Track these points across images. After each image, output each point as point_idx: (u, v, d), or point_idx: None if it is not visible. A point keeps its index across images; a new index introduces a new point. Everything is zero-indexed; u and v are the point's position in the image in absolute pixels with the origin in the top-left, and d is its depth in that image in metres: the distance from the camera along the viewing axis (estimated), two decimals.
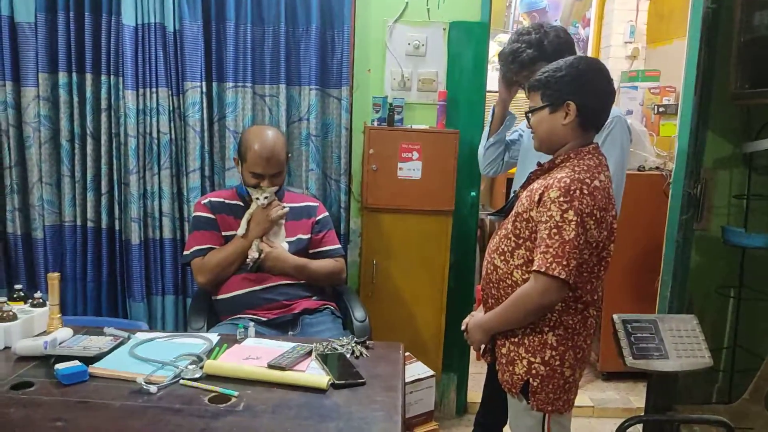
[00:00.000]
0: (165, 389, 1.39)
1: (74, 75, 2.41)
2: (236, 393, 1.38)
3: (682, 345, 1.93)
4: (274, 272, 2.08)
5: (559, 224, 1.44)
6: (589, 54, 4.16)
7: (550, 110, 1.56)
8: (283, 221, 2.13)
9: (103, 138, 2.44)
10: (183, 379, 1.43)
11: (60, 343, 1.55)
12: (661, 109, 3.26)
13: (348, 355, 1.60)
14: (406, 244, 2.53)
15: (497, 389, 1.76)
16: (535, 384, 1.56)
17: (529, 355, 1.56)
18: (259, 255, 2.05)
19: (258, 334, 1.74)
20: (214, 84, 2.47)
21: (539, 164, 1.63)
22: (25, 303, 1.72)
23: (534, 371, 1.56)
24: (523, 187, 1.64)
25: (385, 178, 2.46)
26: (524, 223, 1.53)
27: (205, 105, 2.45)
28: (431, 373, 2.38)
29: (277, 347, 1.61)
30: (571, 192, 1.44)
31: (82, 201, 2.50)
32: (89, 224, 2.49)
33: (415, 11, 2.56)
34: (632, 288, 3.05)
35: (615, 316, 1.94)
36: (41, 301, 1.73)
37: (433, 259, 2.54)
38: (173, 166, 2.47)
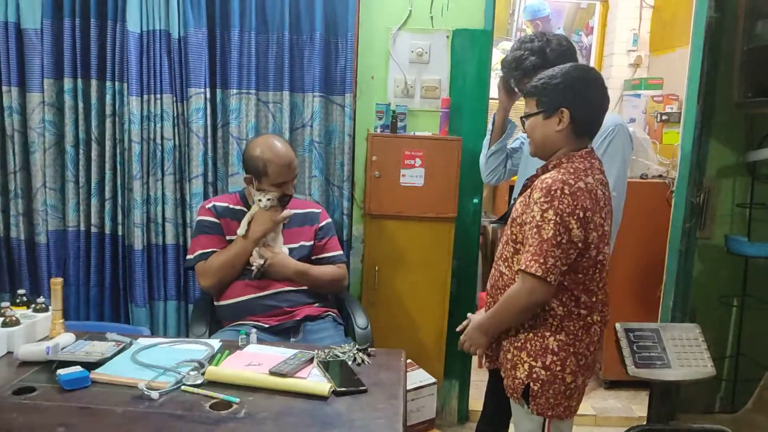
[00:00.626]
0: (166, 395, 1.39)
1: (79, 81, 2.43)
2: (238, 400, 1.38)
3: (685, 354, 1.93)
4: (276, 278, 2.08)
5: (539, 224, 1.48)
6: (592, 62, 4.17)
7: (544, 116, 1.59)
8: (281, 227, 2.14)
9: (108, 143, 2.45)
10: (185, 385, 1.43)
11: (62, 349, 1.55)
12: (663, 117, 3.26)
13: (350, 362, 1.60)
14: (409, 251, 2.53)
15: (499, 397, 1.76)
16: (535, 388, 1.57)
17: (531, 359, 1.58)
18: (264, 262, 2.05)
19: (260, 341, 1.74)
20: (218, 90, 2.49)
21: (537, 171, 1.66)
22: (28, 308, 1.73)
23: (535, 375, 1.57)
24: (521, 194, 1.67)
25: (388, 185, 2.46)
26: (518, 227, 1.58)
27: (208, 111, 2.46)
28: (433, 380, 2.37)
29: (279, 354, 1.61)
30: (552, 192, 1.47)
31: (85, 206, 2.50)
32: (93, 229, 2.50)
33: (418, 19, 2.57)
34: (634, 296, 3.04)
35: (617, 325, 1.94)
36: (44, 306, 1.73)
37: (435, 266, 2.54)
38: (177, 172, 2.48)
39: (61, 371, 1.43)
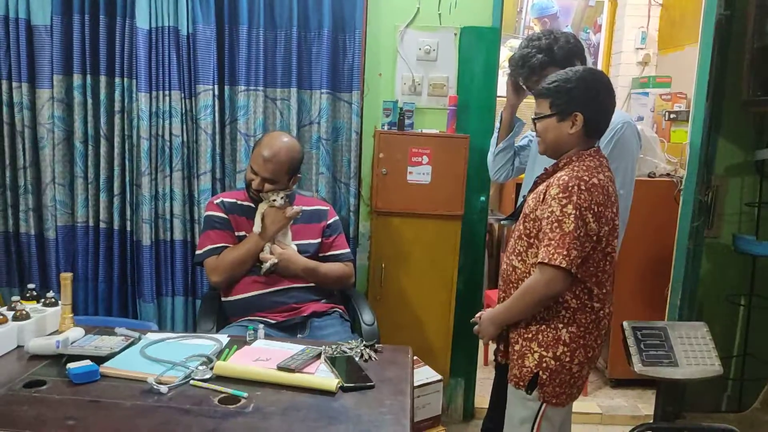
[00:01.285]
0: (175, 389, 1.40)
1: (88, 77, 2.44)
2: (245, 394, 1.39)
3: (692, 352, 1.93)
4: (284, 274, 2.09)
5: (559, 218, 1.53)
6: (600, 60, 4.15)
7: (558, 119, 1.63)
8: (290, 224, 2.14)
9: (116, 140, 2.46)
10: (193, 379, 1.44)
11: (72, 343, 1.57)
12: (672, 116, 3.24)
13: (357, 359, 1.60)
14: (415, 248, 2.54)
15: (505, 395, 1.76)
16: (544, 377, 1.62)
17: (542, 349, 1.62)
18: (276, 261, 2.06)
19: (267, 337, 1.75)
20: (226, 87, 2.49)
21: (546, 170, 1.70)
22: (38, 302, 1.74)
23: (544, 364, 1.61)
24: (531, 191, 1.71)
25: (395, 182, 2.47)
26: (532, 222, 1.62)
27: (216, 108, 2.47)
28: (438, 377, 2.37)
29: (287, 349, 1.62)
30: (570, 188, 1.53)
31: (94, 202, 2.52)
32: (101, 225, 2.51)
33: (426, 16, 2.57)
34: (642, 294, 3.03)
35: (625, 323, 1.95)
36: (53, 300, 1.74)
37: (441, 264, 2.54)
38: (185, 169, 2.49)
39: (70, 365, 1.44)
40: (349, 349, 1.64)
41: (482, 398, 2.79)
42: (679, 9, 3.63)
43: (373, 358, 1.63)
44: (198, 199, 2.50)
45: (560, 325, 1.61)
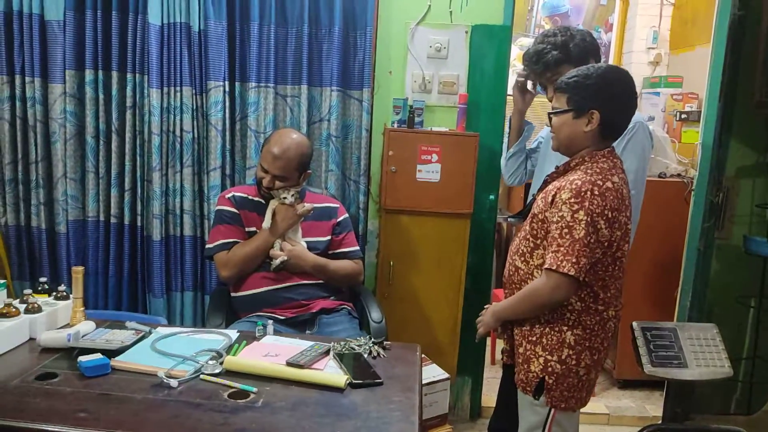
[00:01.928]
0: (185, 384, 1.41)
1: (100, 72, 2.45)
2: (255, 389, 1.39)
3: (702, 354, 1.92)
4: (294, 270, 2.10)
5: (570, 224, 1.49)
6: (611, 60, 4.13)
7: (574, 115, 1.58)
8: (300, 221, 2.15)
9: (128, 135, 2.48)
10: (203, 374, 1.45)
11: (83, 336, 1.58)
12: (683, 116, 3.22)
13: (365, 355, 1.61)
14: (424, 246, 2.53)
15: (512, 394, 1.76)
16: (550, 381, 1.60)
17: (546, 353, 1.60)
18: (287, 258, 2.07)
19: (276, 332, 1.75)
20: (237, 84, 2.50)
21: (557, 168, 1.67)
22: (50, 296, 1.75)
23: (550, 369, 1.59)
24: (540, 190, 1.68)
25: (404, 180, 2.47)
26: (540, 223, 1.59)
27: (227, 104, 2.48)
28: (446, 375, 2.38)
29: (296, 345, 1.62)
30: (582, 193, 1.49)
31: (105, 197, 2.53)
32: (112, 220, 2.53)
33: (437, 14, 2.57)
34: (651, 295, 3.02)
35: (634, 323, 1.94)
36: (65, 294, 1.76)
37: (450, 262, 2.54)
38: (195, 164, 2.50)
39: (82, 358, 1.45)
40: (358, 345, 1.65)
41: (489, 397, 2.79)
42: (691, 9, 3.60)
43: (381, 355, 1.63)
44: (208, 195, 2.51)
45: (564, 328, 1.58)
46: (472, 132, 2.51)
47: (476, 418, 2.82)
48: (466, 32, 2.58)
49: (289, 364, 1.49)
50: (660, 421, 2.24)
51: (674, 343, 1.91)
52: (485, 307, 1.81)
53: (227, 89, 2.47)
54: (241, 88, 2.51)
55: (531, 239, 1.62)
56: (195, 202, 2.52)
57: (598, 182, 1.51)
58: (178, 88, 2.43)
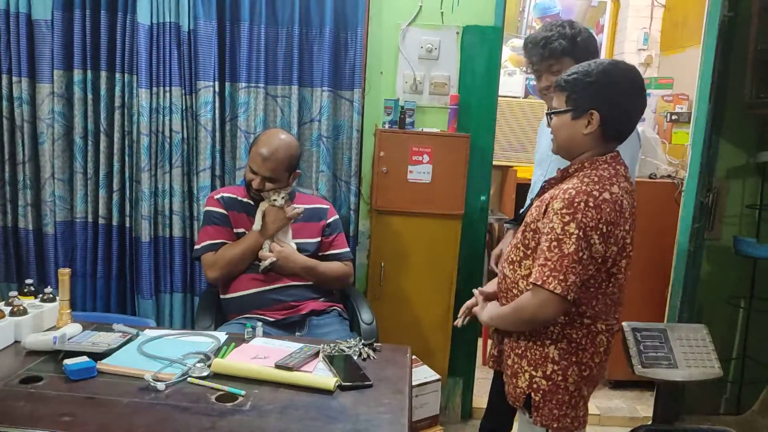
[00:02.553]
0: (172, 387, 1.39)
1: (89, 72, 2.43)
2: (243, 392, 1.38)
3: (692, 354, 1.92)
4: (283, 272, 2.09)
5: (560, 237, 1.38)
6: None
7: (573, 116, 1.47)
8: (290, 223, 2.14)
9: (116, 135, 2.45)
10: (191, 377, 1.43)
11: (69, 339, 1.55)
12: (673, 117, 3.24)
13: (355, 357, 1.60)
14: (415, 248, 2.53)
15: (503, 395, 1.75)
16: (536, 399, 1.51)
17: (531, 368, 1.52)
18: (275, 260, 2.06)
19: (265, 334, 1.74)
20: (227, 84, 2.49)
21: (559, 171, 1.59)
22: (36, 298, 1.73)
23: (535, 385, 1.51)
24: (538, 196, 1.59)
25: (395, 181, 2.46)
26: (531, 233, 1.49)
27: (217, 105, 2.46)
28: (437, 377, 2.37)
29: (285, 347, 1.61)
30: (575, 204, 1.38)
31: (93, 198, 2.51)
32: (100, 221, 2.50)
33: (428, 14, 2.56)
34: (641, 296, 3.02)
35: (624, 324, 1.94)
36: (51, 296, 1.74)
37: (441, 263, 2.54)
38: (184, 165, 2.48)
39: (67, 361, 1.43)
40: (348, 347, 1.64)
41: (480, 398, 2.78)
42: (681, 10, 3.62)
43: (371, 357, 1.62)
44: (197, 196, 2.49)
45: (548, 342, 1.49)
46: (463, 133, 2.51)
47: (467, 419, 2.82)
48: (458, 33, 2.57)
49: (278, 366, 1.48)
50: (650, 422, 2.25)
51: (664, 344, 1.92)
52: (479, 290, 1.73)
53: (217, 89, 2.45)
54: (231, 88, 2.49)
55: (522, 248, 1.53)
56: (184, 203, 2.50)
57: (594, 192, 1.39)
58: (167, 88, 2.41)
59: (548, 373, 1.49)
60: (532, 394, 1.52)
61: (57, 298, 1.72)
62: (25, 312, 1.63)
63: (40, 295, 1.73)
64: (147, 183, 2.45)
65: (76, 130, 2.46)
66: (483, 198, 2.66)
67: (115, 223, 2.50)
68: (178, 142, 2.45)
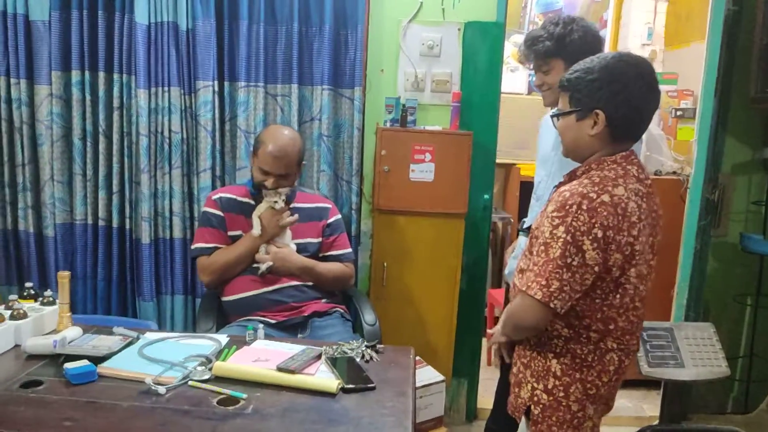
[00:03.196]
0: (173, 390, 1.38)
1: (87, 73, 2.41)
2: (245, 395, 1.36)
3: (699, 353, 1.91)
4: (280, 273, 2.07)
5: (548, 241, 1.31)
6: None
7: (578, 117, 1.39)
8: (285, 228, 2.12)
9: (115, 137, 2.44)
10: (192, 380, 1.42)
11: (69, 342, 1.55)
12: (678, 113, 3.21)
13: (358, 359, 1.58)
14: (418, 247, 2.51)
15: (509, 394, 1.73)
16: (536, 412, 1.46)
17: (534, 380, 1.46)
18: (272, 264, 2.05)
19: (267, 336, 1.72)
20: (226, 83, 2.47)
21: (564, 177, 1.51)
22: (36, 301, 1.72)
23: (536, 398, 1.45)
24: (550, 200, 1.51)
25: (397, 180, 2.44)
26: (534, 239, 1.43)
27: (216, 104, 2.44)
28: (441, 378, 2.35)
29: (287, 350, 1.59)
30: (567, 207, 1.29)
31: (93, 199, 2.50)
32: (100, 223, 2.49)
33: (429, 11, 2.54)
34: (648, 294, 3.00)
35: None
36: (51, 299, 1.72)
37: (444, 263, 2.52)
38: (184, 166, 2.46)
39: (68, 365, 1.42)
40: (350, 349, 1.62)
41: (485, 399, 2.76)
42: (685, 5, 3.59)
43: (374, 359, 1.60)
44: (198, 197, 2.47)
45: (551, 355, 1.42)
46: (465, 131, 2.48)
47: (472, 420, 2.80)
48: (459, 29, 2.55)
49: (279, 369, 1.46)
50: (657, 422, 2.23)
51: (671, 343, 1.90)
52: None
53: (216, 89, 2.43)
54: (231, 87, 2.47)
55: (527, 254, 1.46)
56: (184, 204, 2.48)
57: (591, 195, 1.29)
58: (166, 89, 2.40)
59: (549, 387, 1.43)
60: (532, 407, 1.46)
61: (57, 301, 1.70)
62: (25, 315, 1.62)
63: (40, 299, 1.72)
64: (147, 184, 2.43)
65: (75, 131, 2.44)
66: (486, 196, 2.64)
67: (115, 224, 2.49)
68: (177, 143, 2.43)
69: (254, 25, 2.41)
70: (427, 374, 2.34)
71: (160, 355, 1.53)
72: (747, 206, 2.59)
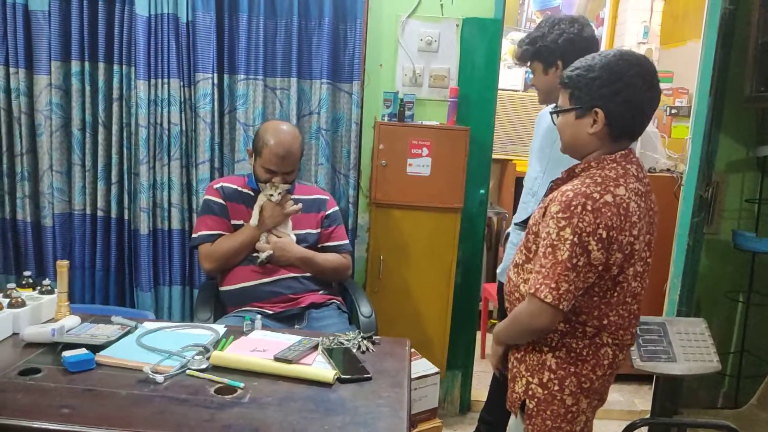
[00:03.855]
0: (171, 379, 1.39)
1: (87, 64, 2.41)
2: (242, 385, 1.38)
3: (691, 348, 1.92)
4: (280, 263, 2.09)
5: (555, 242, 1.31)
6: None
7: (577, 115, 1.39)
8: (288, 217, 2.13)
9: (114, 127, 2.44)
10: (189, 369, 1.43)
11: (68, 331, 1.56)
12: (673, 111, 3.23)
13: (354, 350, 1.59)
14: (414, 241, 2.53)
15: (503, 387, 1.75)
16: (530, 406, 1.46)
17: (528, 374, 1.47)
18: (271, 253, 2.06)
19: (264, 327, 1.74)
20: (226, 76, 2.47)
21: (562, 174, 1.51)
22: (34, 290, 1.73)
23: (531, 392, 1.46)
24: (545, 196, 1.51)
25: (395, 174, 2.45)
26: (533, 236, 1.43)
27: (216, 97, 2.45)
28: (436, 370, 2.37)
29: (284, 340, 1.61)
30: (572, 208, 1.29)
31: (92, 190, 2.50)
32: (99, 213, 2.50)
33: (428, 7, 2.55)
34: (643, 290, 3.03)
35: None
36: (50, 288, 1.73)
37: (440, 256, 2.54)
38: (183, 157, 2.47)
39: (66, 353, 1.43)
40: (347, 340, 1.64)
41: (479, 391, 2.79)
42: (681, 3, 3.61)
43: (370, 350, 1.62)
44: (196, 188, 2.48)
45: (546, 349, 1.43)
46: (462, 126, 2.50)
47: (466, 412, 2.82)
48: (457, 25, 2.56)
49: (276, 359, 1.47)
50: (648, 416, 2.25)
51: (663, 338, 1.92)
52: None
53: (216, 81, 2.44)
54: (230, 80, 2.48)
55: (524, 251, 1.47)
56: (183, 195, 2.49)
57: (594, 195, 1.29)
58: (165, 80, 2.40)
59: (544, 381, 1.44)
60: (527, 401, 1.47)
61: (55, 290, 1.71)
62: (23, 304, 1.63)
63: (39, 287, 1.73)
64: (145, 175, 2.44)
65: (74, 122, 2.44)
66: (482, 191, 2.65)
67: (113, 215, 2.49)
68: (176, 134, 2.44)
69: (254, 19, 2.41)
70: (422, 366, 2.36)
71: (158, 345, 1.54)
72: (740, 204, 2.62)
